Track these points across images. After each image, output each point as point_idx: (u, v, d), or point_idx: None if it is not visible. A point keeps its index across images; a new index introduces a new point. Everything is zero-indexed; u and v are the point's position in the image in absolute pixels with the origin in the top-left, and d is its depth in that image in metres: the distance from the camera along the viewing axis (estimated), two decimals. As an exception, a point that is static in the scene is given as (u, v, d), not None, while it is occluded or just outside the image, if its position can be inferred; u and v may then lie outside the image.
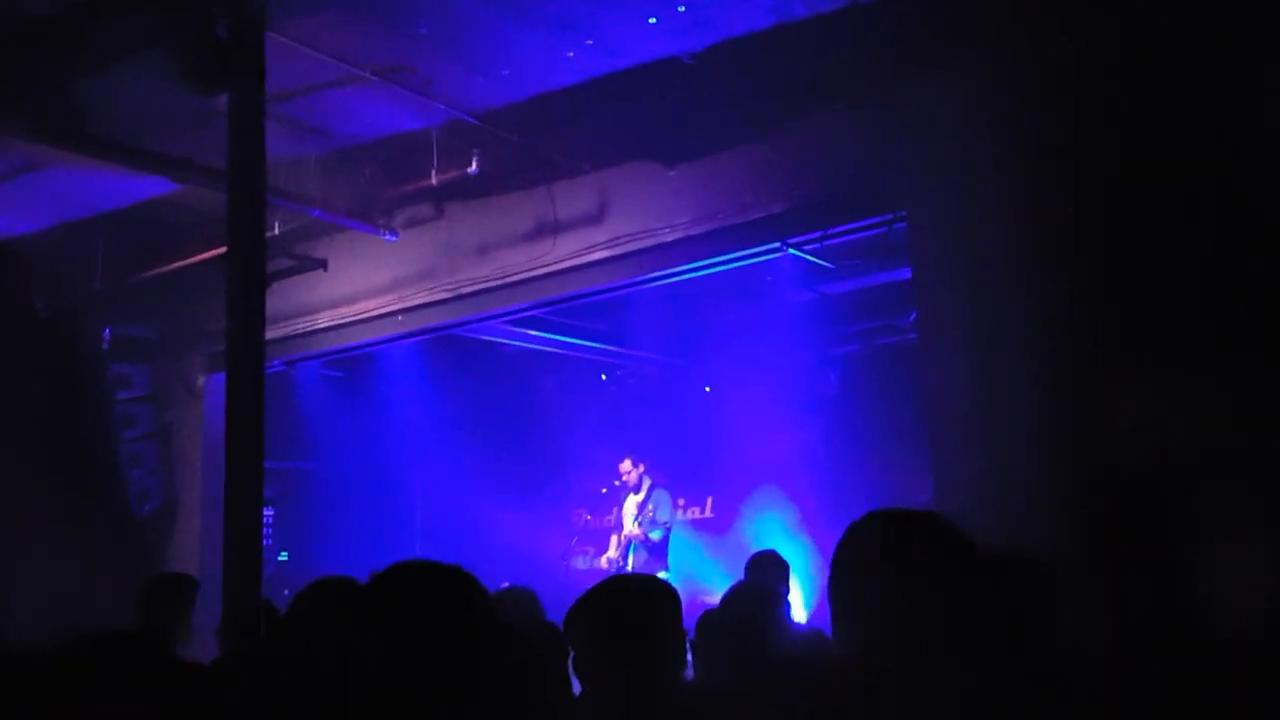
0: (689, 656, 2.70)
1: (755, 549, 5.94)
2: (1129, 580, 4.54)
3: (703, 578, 9.78)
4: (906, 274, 7.15)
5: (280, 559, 10.38)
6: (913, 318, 8.23)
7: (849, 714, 1.60)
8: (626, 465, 9.68)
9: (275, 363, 8.69)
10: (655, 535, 9.27)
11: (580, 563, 11.21)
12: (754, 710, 2.30)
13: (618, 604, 2.16)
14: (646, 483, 9.61)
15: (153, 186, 7.26)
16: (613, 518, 10.06)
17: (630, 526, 9.47)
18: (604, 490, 10.12)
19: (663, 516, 9.37)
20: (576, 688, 2.98)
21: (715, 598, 3.24)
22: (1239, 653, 2.74)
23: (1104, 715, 2.15)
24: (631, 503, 9.62)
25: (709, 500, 11.73)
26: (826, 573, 1.49)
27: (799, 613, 8.56)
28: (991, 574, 1.42)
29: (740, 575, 5.26)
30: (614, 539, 9.77)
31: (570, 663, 2.25)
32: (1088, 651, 2.99)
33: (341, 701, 1.43)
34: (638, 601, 2.17)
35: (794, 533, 10.04)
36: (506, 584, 4.15)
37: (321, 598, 2.99)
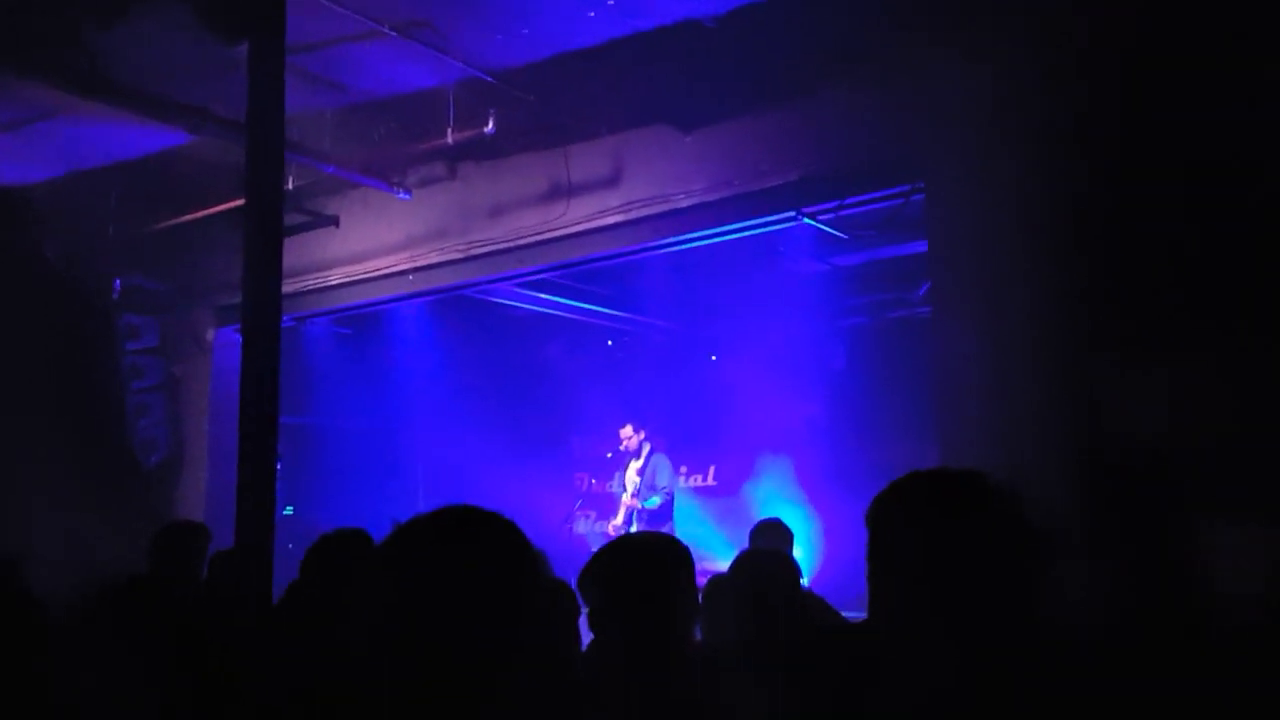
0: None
1: (757, 517, 5.96)
2: (1128, 561, 4.57)
3: (704, 544, 9.83)
4: (919, 248, 7.13)
5: (285, 513, 10.44)
6: (924, 290, 8.24)
7: (868, 676, 1.61)
8: (627, 431, 9.69)
9: (285, 318, 8.68)
10: (652, 503, 9.30)
11: (582, 527, 11.27)
12: (766, 671, 2.33)
13: (632, 561, 2.19)
14: (646, 448, 9.63)
15: (167, 138, 7.24)
16: (615, 483, 10.10)
17: (628, 496, 9.51)
18: (609, 455, 10.15)
19: (661, 481, 9.40)
20: (585, 644, 3.01)
21: (716, 564, 3.26)
22: (1234, 633, 2.76)
23: (1101, 692, 2.17)
24: (632, 469, 9.65)
25: (712, 468, 11.76)
26: (865, 531, 1.50)
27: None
28: (1028, 542, 1.42)
29: (743, 543, 5.27)
30: (622, 506, 9.81)
31: (583, 618, 2.27)
32: (1088, 629, 3.02)
33: (376, 646, 1.44)
34: (651, 559, 2.19)
35: (796, 502, 10.09)
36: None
37: (339, 548, 3.02)
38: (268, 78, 5.01)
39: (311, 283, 8.86)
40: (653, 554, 2.21)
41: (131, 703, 2.20)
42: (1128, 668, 2.34)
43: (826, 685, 1.71)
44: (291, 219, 8.14)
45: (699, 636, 3.06)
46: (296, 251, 8.26)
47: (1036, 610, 1.44)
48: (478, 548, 1.48)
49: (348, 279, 8.80)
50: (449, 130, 7.10)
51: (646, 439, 9.70)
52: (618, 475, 9.99)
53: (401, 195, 8.18)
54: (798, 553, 7.29)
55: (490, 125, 7.03)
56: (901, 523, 1.48)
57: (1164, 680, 2.32)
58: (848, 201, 6.75)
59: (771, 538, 4.91)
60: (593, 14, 5.77)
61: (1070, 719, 1.51)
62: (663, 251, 7.72)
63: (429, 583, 1.44)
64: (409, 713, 1.40)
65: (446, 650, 1.41)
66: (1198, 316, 5.07)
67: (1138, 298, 5.26)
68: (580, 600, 3.15)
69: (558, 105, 7.06)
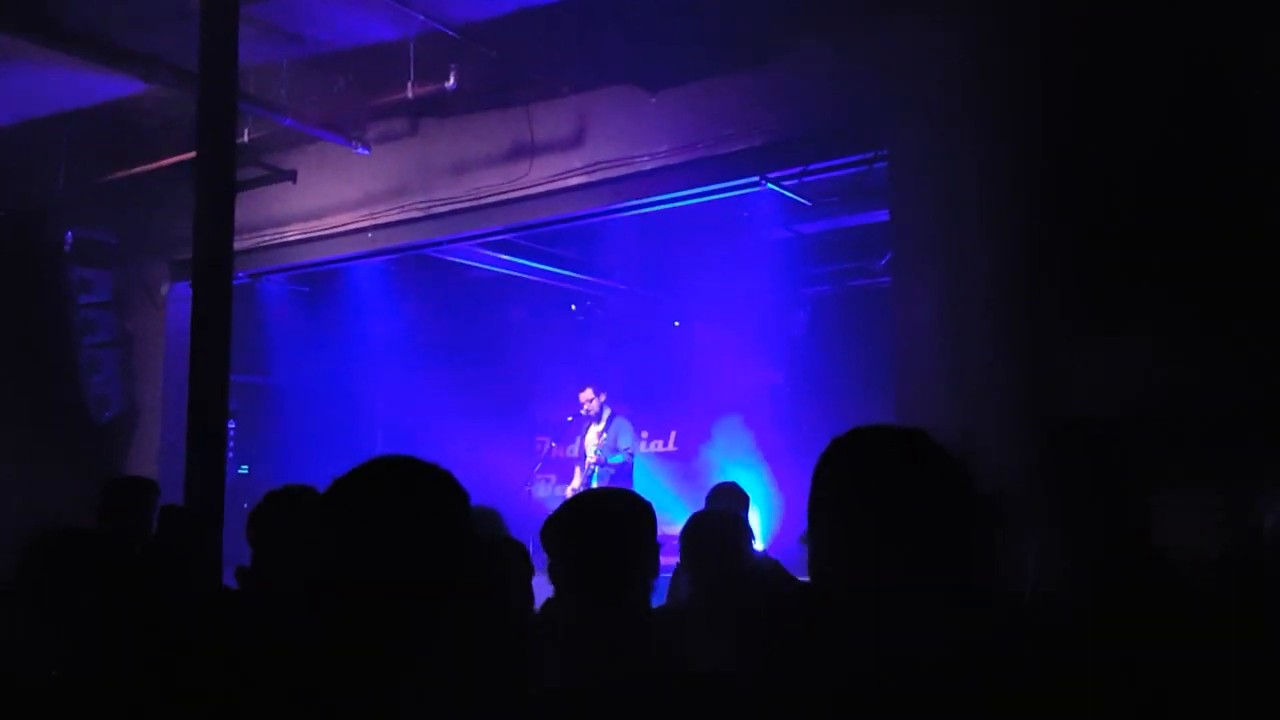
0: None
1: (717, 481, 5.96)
2: (1085, 527, 4.63)
3: (665, 510, 9.84)
4: (882, 216, 7.14)
5: (240, 472, 10.34)
6: (886, 260, 8.26)
7: (808, 636, 1.61)
8: (587, 394, 9.67)
9: (240, 275, 8.57)
10: (616, 460, 9.31)
11: (541, 490, 11.25)
12: (715, 631, 2.34)
13: (594, 514, 2.18)
14: (606, 412, 9.61)
15: (119, 86, 7.05)
16: (575, 448, 10.08)
17: (591, 456, 9.50)
18: (569, 418, 10.13)
19: (624, 443, 9.41)
20: (539, 602, 3.00)
21: (677, 529, 3.26)
22: (1190, 597, 2.79)
23: (1059, 655, 2.18)
24: (593, 433, 9.63)
25: (673, 434, 11.79)
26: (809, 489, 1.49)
27: (757, 544, 8.66)
28: (972, 500, 1.42)
29: (702, 507, 5.28)
30: (577, 470, 9.80)
31: (545, 572, 2.27)
32: (1046, 593, 3.05)
33: (310, 600, 1.42)
34: (614, 513, 2.19)
35: (757, 468, 10.14)
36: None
37: (284, 505, 2.98)
38: (221, 26, 4.89)
39: (268, 238, 8.72)
40: (615, 508, 2.21)
41: (75, 655, 2.16)
42: (1083, 631, 2.36)
43: (771, 642, 1.71)
44: (248, 173, 7.98)
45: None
46: (253, 206, 8.12)
47: (981, 567, 1.44)
48: (408, 494, 1.46)
49: (305, 235, 8.67)
50: (409, 85, 6.95)
51: (607, 402, 9.68)
52: (578, 439, 9.98)
53: (360, 151, 8.05)
54: (756, 517, 7.35)
55: (452, 80, 6.90)
56: (842, 478, 1.47)
57: (1119, 643, 2.34)
58: (812, 168, 6.74)
59: (727, 500, 4.92)
60: (557, -32, 5.68)
61: (1022, 681, 1.51)
62: (626, 214, 7.67)
63: (360, 530, 1.42)
64: (346, 658, 1.38)
65: (379, 593, 1.39)
66: (1157, 286, 5.12)
67: (1098, 266, 5.30)
68: (538, 558, 3.13)
69: (521, 62, 6.95)
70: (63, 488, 7.92)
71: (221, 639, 2.17)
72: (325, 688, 1.38)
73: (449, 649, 1.42)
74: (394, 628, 1.39)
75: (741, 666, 1.93)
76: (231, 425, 5.58)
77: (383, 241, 8.41)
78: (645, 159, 7.10)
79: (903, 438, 1.49)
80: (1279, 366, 4.79)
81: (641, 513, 2.15)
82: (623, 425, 9.50)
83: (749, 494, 5.29)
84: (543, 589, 2.86)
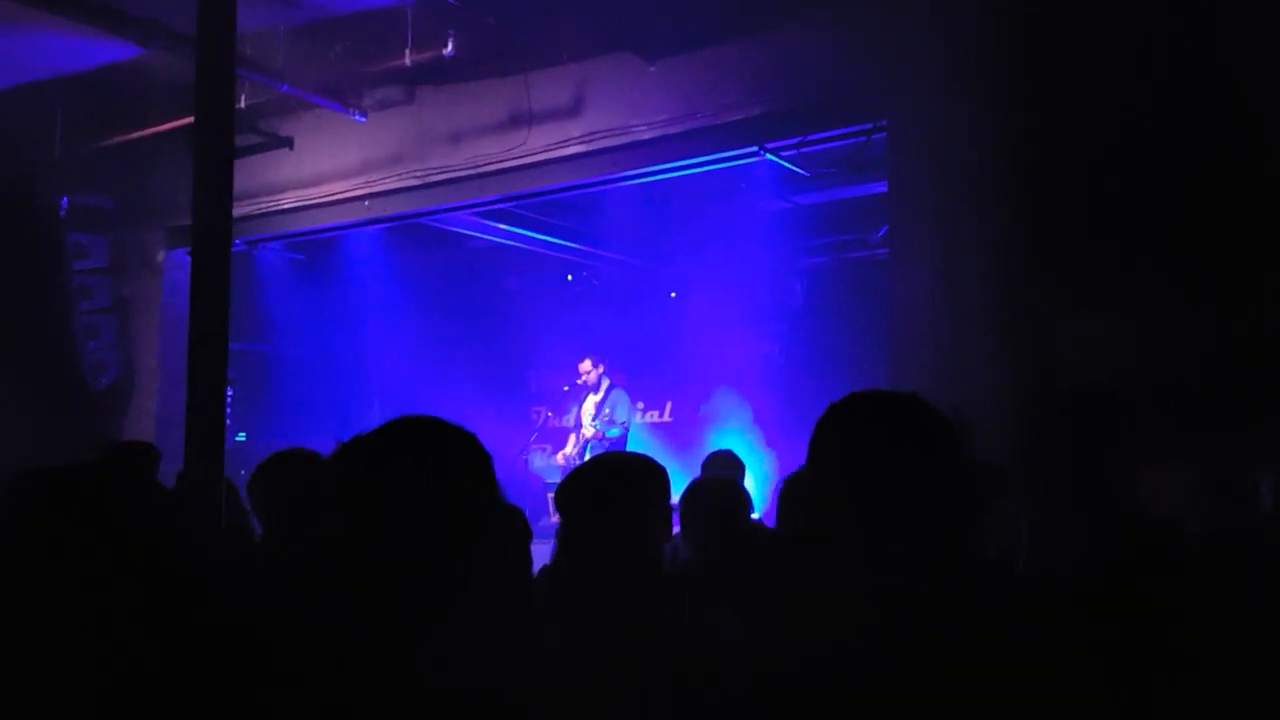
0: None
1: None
2: (1077, 498, 4.67)
3: (661, 479, 9.86)
4: (880, 188, 7.12)
5: (239, 439, 10.36)
6: (883, 232, 8.26)
7: (800, 591, 1.63)
8: (586, 365, 9.68)
9: (237, 242, 8.56)
10: (613, 434, 9.34)
11: (538, 460, 11.29)
12: (713, 595, 2.36)
13: (614, 475, 2.21)
14: (605, 383, 9.63)
15: (115, 50, 7.00)
16: (571, 417, 10.11)
17: (588, 427, 9.53)
18: (566, 388, 10.16)
19: (621, 416, 9.43)
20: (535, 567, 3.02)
21: (673, 499, 3.28)
22: (1185, 566, 2.83)
23: (1050, 623, 2.21)
24: (590, 403, 9.65)
25: (669, 404, 11.81)
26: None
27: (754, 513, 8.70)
28: (961, 464, 1.44)
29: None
30: (572, 437, 9.84)
31: (557, 535, 2.29)
32: (1038, 562, 3.09)
33: (329, 561, 1.43)
34: (632, 474, 2.22)
35: (752, 439, 10.17)
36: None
37: (288, 468, 3.00)
38: (219, -11, 4.84)
39: (264, 206, 8.69)
40: (633, 470, 2.24)
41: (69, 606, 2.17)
42: (1076, 600, 2.39)
43: (768, 606, 1.74)
44: (244, 139, 7.94)
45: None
46: (249, 173, 8.09)
47: (972, 534, 1.46)
48: (437, 454, 1.47)
49: (301, 203, 8.64)
50: (407, 52, 6.92)
51: (605, 373, 9.70)
52: (574, 409, 10.00)
53: (357, 117, 8.01)
54: (752, 485, 7.38)
55: (449, 47, 6.86)
56: (833, 441, 1.49)
57: (1113, 612, 2.38)
58: (810, 138, 6.73)
59: (722, 468, 4.95)
60: (557, -66, 5.63)
61: (1006, 649, 1.53)
62: (624, 184, 7.66)
63: (388, 489, 1.43)
64: (363, 624, 1.39)
65: (404, 554, 1.40)
66: (1152, 259, 5.13)
67: (1094, 240, 5.31)
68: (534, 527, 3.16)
69: (519, 29, 6.91)
70: (60, 453, 7.93)
71: (234, 600, 2.19)
72: (341, 648, 1.39)
73: (470, 611, 1.43)
74: (418, 589, 1.40)
75: (738, 630, 1.96)
76: (229, 393, 5.58)
77: (379, 210, 8.39)
78: (643, 128, 7.08)
79: (897, 402, 1.51)
80: (1270, 340, 4.82)
81: (658, 476, 2.18)
82: (620, 397, 9.52)
83: (744, 462, 5.32)
84: (539, 557, 2.89)
